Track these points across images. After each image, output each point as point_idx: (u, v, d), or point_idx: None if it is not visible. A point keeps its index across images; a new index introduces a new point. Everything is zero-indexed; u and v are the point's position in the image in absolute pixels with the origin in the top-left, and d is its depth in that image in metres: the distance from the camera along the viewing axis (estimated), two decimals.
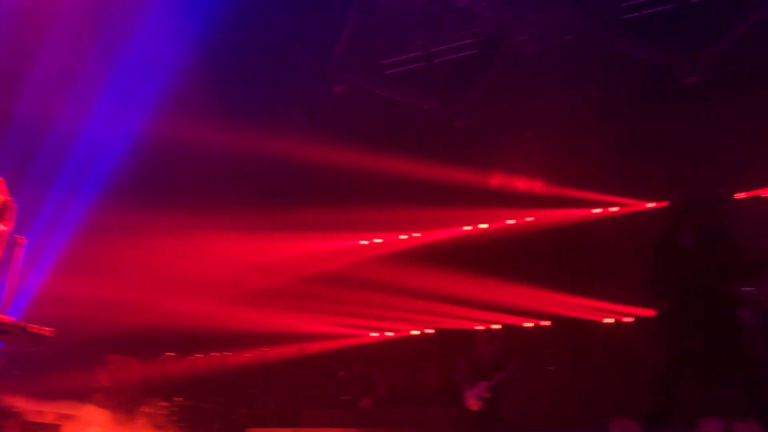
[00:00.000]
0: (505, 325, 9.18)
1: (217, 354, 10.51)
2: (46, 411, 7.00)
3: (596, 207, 9.01)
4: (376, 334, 10.21)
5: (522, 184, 9.32)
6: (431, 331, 9.86)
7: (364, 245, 10.29)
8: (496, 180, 9.31)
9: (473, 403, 7.43)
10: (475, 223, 9.72)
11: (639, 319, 8.24)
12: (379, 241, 10.25)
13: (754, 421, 5.27)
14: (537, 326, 9.13)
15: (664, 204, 8.18)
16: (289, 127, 9.51)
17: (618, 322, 8.66)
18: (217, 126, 8.83)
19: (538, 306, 8.95)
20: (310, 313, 9.71)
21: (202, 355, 10.58)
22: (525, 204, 9.38)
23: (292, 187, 10.05)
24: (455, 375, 7.88)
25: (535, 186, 9.27)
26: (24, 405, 6.69)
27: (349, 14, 8.76)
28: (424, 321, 9.76)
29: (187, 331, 9.44)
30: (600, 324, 8.75)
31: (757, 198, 8.22)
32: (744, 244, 6.15)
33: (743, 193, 8.25)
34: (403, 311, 9.52)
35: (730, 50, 7.95)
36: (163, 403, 8.32)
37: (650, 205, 8.67)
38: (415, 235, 10.10)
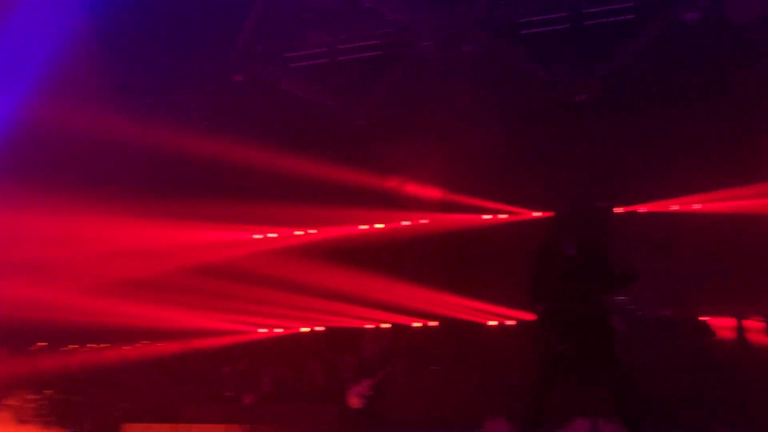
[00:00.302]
0: (394, 325, 9.31)
1: (94, 346, 10.04)
2: None
3: (486, 213, 9.30)
4: (265, 330, 10.07)
5: (417, 187, 9.49)
6: (321, 328, 9.84)
7: (258, 239, 10.14)
8: (393, 182, 9.43)
9: (355, 401, 7.50)
10: (371, 222, 9.79)
11: (520, 322, 8.56)
12: (274, 236, 10.13)
13: (618, 421, 5.62)
14: (425, 326, 9.30)
15: (549, 214, 8.57)
16: (186, 114, 9.25)
17: (501, 325, 8.97)
18: (104, 107, 8.44)
19: (427, 307, 9.13)
20: (196, 306, 9.45)
21: (77, 347, 10.07)
22: (419, 207, 9.55)
23: (186, 176, 9.76)
24: (342, 373, 7.92)
25: (430, 190, 9.47)
26: None
27: (256, 1, 8.62)
28: (314, 318, 9.72)
29: (60, 321, 8.95)
30: (484, 326, 9.02)
31: (634, 213, 8.74)
32: (619, 256, 6.54)
33: (621, 209, 8.76)
34: (293, 308, 9.45)
35: (619, 72, 8.42)
36: (31, 396, 7.86)
37: (536, 214, 9.04)
38: (310, 231, 10.05)
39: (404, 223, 9.72)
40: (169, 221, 9.16)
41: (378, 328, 9.29)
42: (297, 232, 10.08)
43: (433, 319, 9.25)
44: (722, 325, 7.98)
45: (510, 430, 7.08)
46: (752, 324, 7.82)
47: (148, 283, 9.21)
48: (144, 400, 9.12)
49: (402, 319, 9.29)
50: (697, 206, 8.60)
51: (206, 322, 9.67)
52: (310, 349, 9.64)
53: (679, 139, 8.51)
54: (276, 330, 10.03)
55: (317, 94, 9.38)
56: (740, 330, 7.88)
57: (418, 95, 9.15)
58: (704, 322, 7.97)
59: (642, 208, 8.76)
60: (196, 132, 8.82)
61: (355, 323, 9.33)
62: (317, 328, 9.85)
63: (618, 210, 8.74)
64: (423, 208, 9.55)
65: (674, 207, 8.67)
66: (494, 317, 9.00)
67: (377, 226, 9.81)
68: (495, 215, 9.30)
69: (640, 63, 8.30)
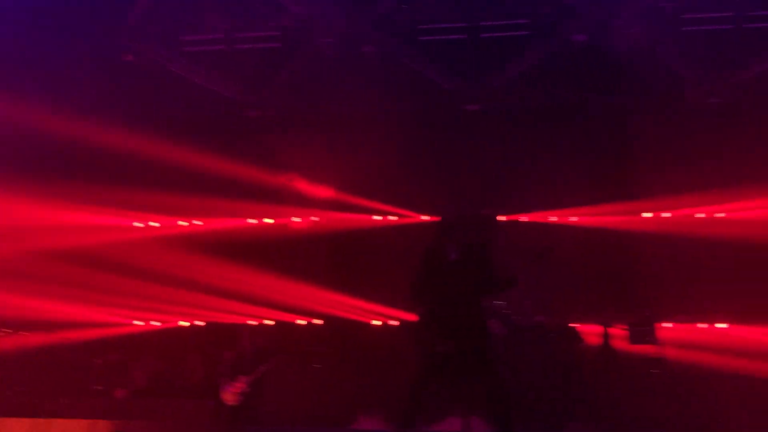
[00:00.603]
0: (278, 322, 9.20)
1: None
2: None
3: (376, 214, 9.38)
4: (141, 323, 9.68)
5: (309, 184, 9.44)
6: (201, 323, 9.57)
7: (139, 227, 9.73)
8: (284, 177, 9.33)
9: (230, 398, 7.39)
10: (259, 217, 9.63)
11: (403, 323, 8.69)
12: (156, 225, 9.76)
13: (490, 420, 5.82)
14: (309, 324, 9.25)
15: (436, 219, 8.76)
16: (70, 92, 8.72)
17: (385, 324, 9.07)
18: None
19: (313, 304, 9.09)
20: (66, 295, 8.93)
21: None
22: (310, 204, 9.51)
23: (66, 157, 9.19)
24: (219, 369, 7.76)
25: (321, 188, 9.45)
26: None
27: None
28: (195, 313, 9.44)
29: None
30: (368, 325, 9.09)
31: (515, 222, 9.10)
32: (500, 263, 6.77)
33: (504, 217, 9.09)
34: (173, 302, 9.14)
35: (509, 85, 8.73)
36: None
37: (424, 218, 9.21)
38: (196, 222, 9.76)
39: (294, 219, 9.64)
40: (42, 203, 8.61)
41: (261, 325, 9.16)
42: (181, 222, 9.76)
43: (318, 317, 9.22)
44: (590, 332, 8.46)
45: (384, 426, 7.17)
46: (616, 331, 8.35)
47: (11, 270, 8.60)
48: (3, 394, 8.51)
49: (286, 317, 9.21)
50: (573, 219, 9.07)
51: (78, 311, 9.16)
52: (189, 343, 9.35)
53: (561, 154, 8.95)
54: (153, 323, 9.67)
55: (210, 81, 9.12)
56: (605, 336, 8.38)
57: (314, 91, 9.09)
58: (573, 328, 8.40)
59: (524, 218, 9.13)
60: (80, 111, 8.35)
61: (237, 319, 9.15)
62: (197, 323, 9.58)
63: (501, 218, 9.06)
64: (313, 206, 9.51)
65: (553, 218, 9.10)
66: (378, 317, 9.09)
67: (266, 220, 9.67)
68: (385, 217, 9.40)
69: (530, 78, 8.64)
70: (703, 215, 8.78)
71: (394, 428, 6.52)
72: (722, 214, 8.71)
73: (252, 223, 9.66)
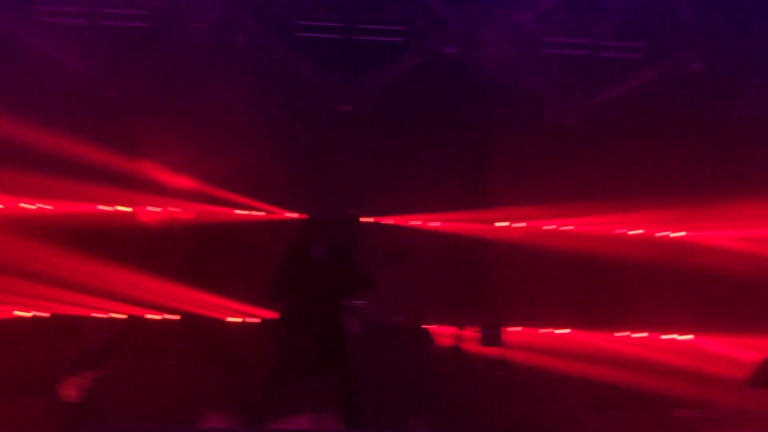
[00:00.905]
0: (130, 316, 8.76)
1: None
2: None
3: (241, 209, 9.18)
4: None
5: (170, 173, 9.07)
6: (45, 314, 8.89)
7: None
8: (144, 163, 8.92)
9: (70, 394, 7.04)
10: (114, 203, 9.12)
11: (264, 321, 8.57)
12: None
13: (340, 417, 5.90)
14: (164, 320, 8.88)
15: (302, 217, 8.74)
16: None
17: (243, 322, 8.90)
18: None
19: (168, 299, 8.74)
20: None
21: None
22: (171, 194, 9.14)
23: None
24: (62, 364, 7.33)
25: (184, 178, 9.11)
26: None
27: None
28: (36, 304, 8.76)
29: None
30: (226, 322, 8.88)
31: (378, 224, 9.26)
32: (361, 263, 6.89)
33: (369, 218, 9.23)
34: (11, 291, 8.44)
35: (382, 89, 8.87)
36: None
37: (290, 215, 9.14)
38: (42, 206, 9.07)
39: (151, 209, 9.21)
40: None
41: (111, 319, 8.68)
42: (24, 205, 9.03)
43: (172, 312, 8.88)
44: (444, 333, 8.79)
45: (229, 424, 7.05)
46: (468, 334, 8.74)
47: None
48: None
49: (137, 311, 8.78)
50: (434, 224, 9.37)
51: None
52: (28, 336, 8.66)
53: (426, 161, 9.23)
54: None
55: (67, 55, 8.52)
56: (458, 339, 8.74)
57: (182, 78, 8.76)
58: (427, 330, 8.68)
59: (387, 220, 9.31)
60: None
61: (84, 312, 8.61)
62: (39, 314, 8.89)
63: (366, 219, 9.19)
64: (174, 196, 9.14)
65: (416, 222, 9.36)
66: (236, 314, 8.89)
67: (121, 208, 9.17)
68: (250, 211, 9.23)
69: (402, 85, 8.84)
70: (553, 227, 9.40)
71: (243, 425, 6.44)
72: (570, 227, 9.37)
73: (105, 210, 9.13)
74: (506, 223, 9.39)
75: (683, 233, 9.44)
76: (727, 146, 9.06)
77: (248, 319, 8.87)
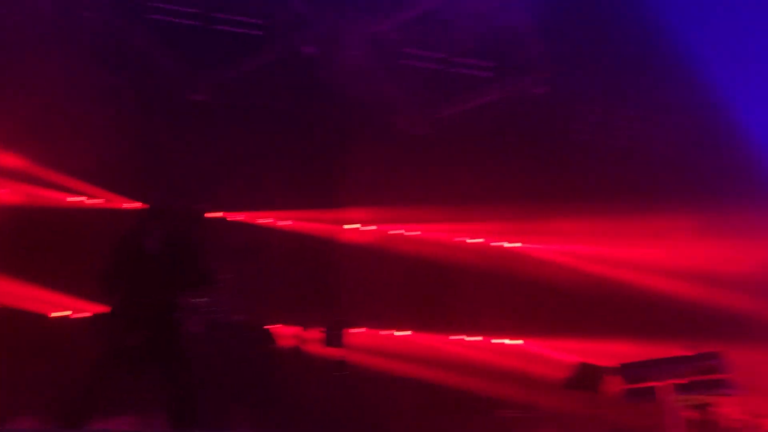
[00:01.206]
0: None
1: None
2: None
3: (73, 195, 8.54)
4: None
5: None
6: None
7: None
8: None
9: None
10: None
11: (95, 315, 8.01)
12: None
13: (167, 416, 5.65)
14: None
15: (141, 207, 8.28)
16: None
17: (67, 317, 8.27)
18: None
19: None
20: None
21: None
22: None
23: None
24: None
25: (8, 155, 8.32)
26: None
27: None
28: None
29: None
30: (46, 317, 8.21)
31: (224, 220, 9.00)
32: (204, 260, 6.63)
33: (214, 214, 8.94)
34: None
35: (238, 81, 8.61)
36: None
37: (128, 205, 8.65)
38: None
39: None
40: None
41: None
42: None
43: None
44: (286, 333, 8.70)
45: (40, 426, 6.55)
46: (312, 334, 8.72)
47: None
48: None
49: None
50: (283, 222, 9.27)
51: None
52: None
53: (278, 158, 9.09)
54: None
55: None
56: (300, 339, 8.70)
57: (21, 49, 8.00)
58: (267, 329, 8.55)
59: (233, 217, 9.08)
60: None
61: None
62: None
63: (210, 215, 8.90)
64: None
65: (266, 219, 9.20)
66: (60, 308, 8.24)
67: None
68: (84, 198, 8.60)
69: (258, 78, 8.68)
70: (400, 232, 9.63)
71: (61, 426, 5.97)
72: (416, 233, 9.65)
73: None
74: (356, 226, 9.49)
75: (519, 244, 10.04)
76: (561, 167, 9.75)
77: (77, 314, 8.26)
